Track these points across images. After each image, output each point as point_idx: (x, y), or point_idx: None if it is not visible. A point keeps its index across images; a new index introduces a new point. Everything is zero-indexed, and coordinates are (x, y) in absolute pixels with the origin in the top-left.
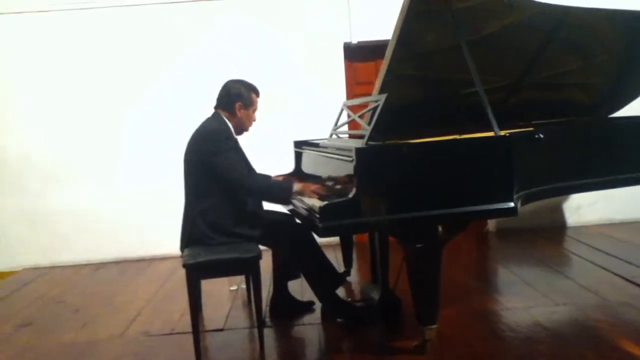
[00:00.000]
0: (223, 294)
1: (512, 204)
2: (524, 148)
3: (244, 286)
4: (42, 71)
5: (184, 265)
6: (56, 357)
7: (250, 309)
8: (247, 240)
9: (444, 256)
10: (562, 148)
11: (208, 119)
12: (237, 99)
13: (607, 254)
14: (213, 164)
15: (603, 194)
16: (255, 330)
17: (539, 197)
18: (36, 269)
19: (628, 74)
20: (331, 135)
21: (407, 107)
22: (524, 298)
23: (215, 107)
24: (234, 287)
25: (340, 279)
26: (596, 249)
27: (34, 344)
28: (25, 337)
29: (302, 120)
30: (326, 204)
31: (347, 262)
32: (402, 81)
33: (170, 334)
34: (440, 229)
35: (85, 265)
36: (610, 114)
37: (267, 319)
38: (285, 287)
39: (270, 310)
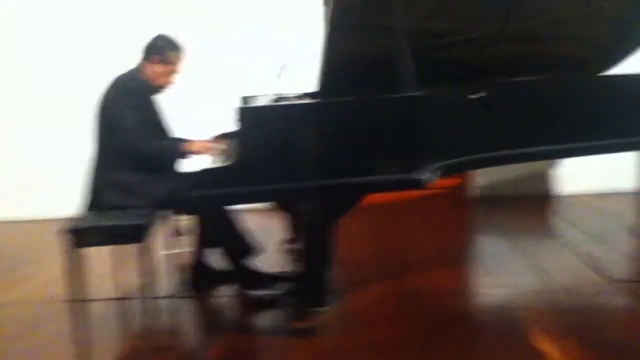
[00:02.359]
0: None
1: (416, 176)
2: (460, 110)
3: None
4: None
5: (68, 231)
6: None
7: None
8: (149, 203)
9: (412, 221)
10: (516, 111)
11: (130, 69)
12: (154, 52)
13: (581, 230)
14: (112, 116)
15: (597, 162)
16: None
17: (479, 165)
18: None
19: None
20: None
21: (371, 62)
22: (463, 277)
23: (141, 58)
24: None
25: (254, 248)
26: (573, 223)
27: None
28: None
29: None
30: (201, 170)
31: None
32: (356, 32)
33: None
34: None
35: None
36: (602, 71)
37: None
38: (205, 255)
39: (190, 280)
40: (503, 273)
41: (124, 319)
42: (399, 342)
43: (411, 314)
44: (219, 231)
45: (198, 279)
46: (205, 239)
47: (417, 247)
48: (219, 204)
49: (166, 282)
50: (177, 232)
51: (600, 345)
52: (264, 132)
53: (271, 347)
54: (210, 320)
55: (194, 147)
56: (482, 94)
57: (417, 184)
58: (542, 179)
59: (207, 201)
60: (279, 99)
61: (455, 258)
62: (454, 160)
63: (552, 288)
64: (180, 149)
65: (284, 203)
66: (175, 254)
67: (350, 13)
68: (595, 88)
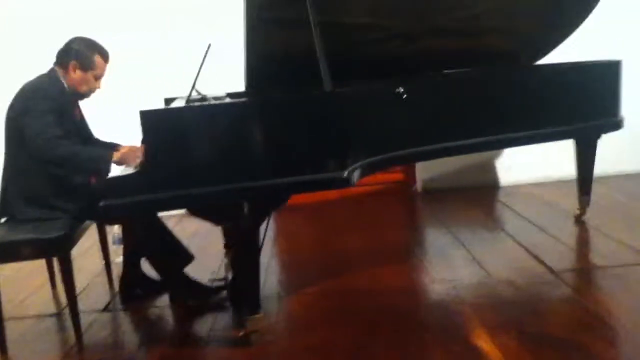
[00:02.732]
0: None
1: (340, 174)
2: (382, 107)
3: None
4: None
5: None
6: None
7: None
8: (69, 214)
9: (355, 218)
10: (437, 105)
11: (40, 75)
12: (74, 57)
13: (524, 220)
14: (22, 124)
15: (539, 150)
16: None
17: (402, 161)
18: None
19: (555, 13)
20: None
21: (298, 58)
22: (404, 274)
23: (54, 63)
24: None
25: (188, 256)
26: (516, 213)
27: None
28: None
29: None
30: (108, 178)
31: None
32: (277, 27)
33: None
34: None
35: None
36: (534, 61)
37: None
38: (137, 265)
39: (121, 291)
40: (445, 267)
41: (52, 336)
42: (334, 345)
43: (350, 314)
44: (148, 240)
45: (127, 290)
46: (137, 248)
47: (359, 245)
48: (127, 212)
49: (103, 294)
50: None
51: (540, 338)
52: (163, 135)
53: (205, 356)
54: (144, 332)
55: (116, 155)
56: (400, 89)
57: (343, 183)
58: (484, 170)
59: (115, 210)
60: (201, 99)
61: (398, 254)
62: (379, 157)
63: (493, 281)
64: (101, 155)
65: (199, 210)
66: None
67: (266, 9)
68: (522, 79)
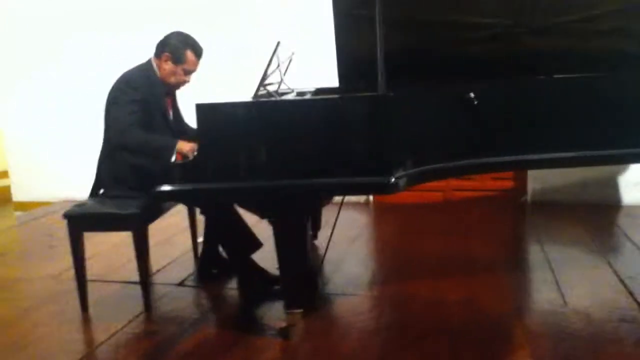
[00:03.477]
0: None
1: (384, 179)
2: (440, 111)
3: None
4: None
5: (64, 215)
6: None
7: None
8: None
9: (457, 223)
10: (508, 112)
11: (138, 65)
12: (168, 49)
13: (637, 247)
14: (107, 111)
15: None
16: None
17: (463, 172)
18: None
19: None
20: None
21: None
22: (473, 286)
23: (153, 54)
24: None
25: (257, 244)
26: (629, 238)
27: None
28: None
29: None
30: (163, 167)
31: (313, 226)
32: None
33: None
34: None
35: None
36: None
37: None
38: (215, 246)
39: (198, 269)
40: (521, 287)
41: (128, 302)
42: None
43: (398, 323)
44: (219, 224)
45: (204, 269)
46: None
47: (445, 251)
48: (176, 199)
49: (185, 270)
50: None
51: None
52: (214, 128)
53: (245, 342)
54: (206, 310)
55: (183, 147)
56: (471, 94)
57: (389, 188)
58: (605, 186)
59: (165, 196)
60: (285, 93)
61: (479, 266)
62: (434, 166)
63: (568, 309)
64: (167, 144)
65: (245, 203)
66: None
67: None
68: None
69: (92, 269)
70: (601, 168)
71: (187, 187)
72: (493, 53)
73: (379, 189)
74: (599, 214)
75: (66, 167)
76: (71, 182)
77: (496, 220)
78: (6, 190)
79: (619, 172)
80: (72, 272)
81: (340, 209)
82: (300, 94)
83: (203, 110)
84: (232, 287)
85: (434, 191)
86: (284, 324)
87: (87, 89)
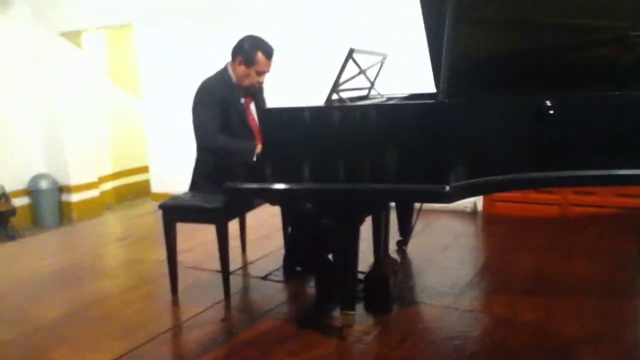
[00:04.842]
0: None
1: (439, 187)
2: (507, 120)
3: None
4: None
5: (160, 206)
6: None
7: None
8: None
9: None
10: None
11: (217, 71)
12: (239, 53)
13: None
14: (193, 116)
15: None
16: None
17: (527, 185)
18: None
19: None
20: (332, 94)
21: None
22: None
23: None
24: None
25: None
26: None
27: None
28: None
29: None
30: (227, 164)
31: (403, 231)
32: (474, 28)
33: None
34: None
35: None
36: None
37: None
38: (301, 246)
39: (284, 265)
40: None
41: (212, 290)
42: None
43: (452, 337)
44: (297, 223)
45: (289, 266)
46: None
47: (549, 270)
48: (241, 196)
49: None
50: None
51: None
52: (278, 131)
53: (297, 337)
54: (279, 304)
55: (259, 148)
56: (547, 102)
57: (441, 197)
58: None
59: (232, 193)
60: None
61: (589, 289)
62: (495, 178)
63: None
64: (248, 147)
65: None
66: None
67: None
68: None
69: (191, 258)
70: None
71: (251, 186)
72: (601, 60)
73: (434, 197)
74: None
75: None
76: None
77: (614, 240)
78: (146, 183)
79: None
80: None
81: (419, 213)
82: (389, 99)
83: (268, 114)
84: (310, 284)
85: (550, 204)
86: (339, 323)
87: None
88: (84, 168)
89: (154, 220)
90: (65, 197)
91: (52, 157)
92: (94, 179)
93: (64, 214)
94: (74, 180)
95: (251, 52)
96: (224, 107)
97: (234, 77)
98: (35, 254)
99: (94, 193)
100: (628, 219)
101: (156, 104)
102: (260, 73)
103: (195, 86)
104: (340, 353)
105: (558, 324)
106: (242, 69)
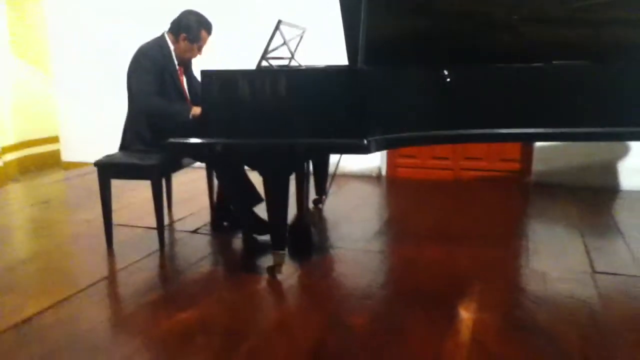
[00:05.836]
0: None
1: (358, 141)
2: (413, 86)
3: None
4: None
5: (95, 164)
6: None
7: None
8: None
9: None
10: (484, 92)
11: (153, 39)
12: (184, 31)
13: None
14: (129, 79)
15: None
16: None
17: (429, 141)
18: None
19: None
20: (261, 60)
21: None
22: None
23: (167, 31)
24: None
25: (259, 198)
26: (614, 219)
27: None
28: None
29: None
30: (177, 122)
31: (319, 191)
32: (386, 11)
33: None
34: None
35: None
36: None
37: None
38: (227, 204)
39: (212, 220)
40: (508, 253)
41: (146, 244)
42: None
43: (366, 273)
44: (225, 179)
45: (217, 220)
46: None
47: (444, 223)
48: (184, 151)
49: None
50: None
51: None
52: (216, 92)
53: (234, 277)
54: (210, 255)
55: (195, 111)
56: (445, 72)
57: (361, 150)
58: (603, 172)
59: (176, 148)
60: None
61: (477, 236)
62: (403, 134)
63: (530, 271)
64: (183, 109)
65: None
66: None
67: None
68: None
69: (122, 216)
70: (603, 154)
71: (192, 140)
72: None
73: (353, 149)
74: (595, 196)
75: (106, 132)
76: (112, 145)
77: (498, 197)
78: (57, 153)
79: (619, 158)
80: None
81: (333, 176)
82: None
83: (206, 75)
84: (237, 236)
85: (445, 169)
86: (271, 263)
87: (118, 61)
88: None
89: (71, 186)
90: None
91: None
92: None
93: None
94: None
95: (196, 30)
96: (160, 73)
97: (172, 48)
98: None
99: None
100: (510, 180)
101: (66, 75)
102: (201, 47)
103: (104, 58)
104: (272, 287)
105: (453, 260)
106: (185, 44)
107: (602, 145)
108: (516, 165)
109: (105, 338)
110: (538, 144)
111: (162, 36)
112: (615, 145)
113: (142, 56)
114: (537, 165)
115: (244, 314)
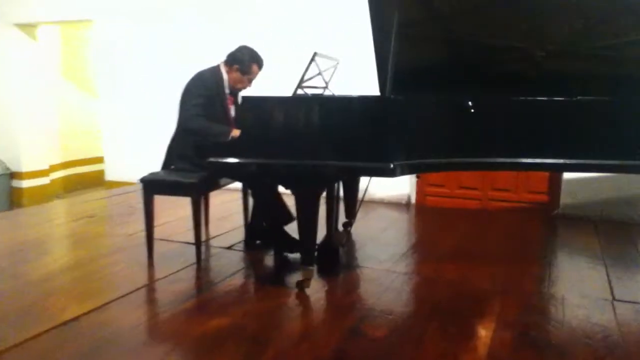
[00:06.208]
0: None
1: (385, 165)
2: (441, 114)
3: None
4: None
5: (141, 180)
6: None
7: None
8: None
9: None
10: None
11: (210, 67)
12: (237, 63)
13: None
14: (182, 99)
15: None
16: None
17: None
18: None
19: None
20: (297, 88)
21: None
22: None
23: (223, 61)
24: None
25: (290, 217)
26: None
27: None
28: None
29: None
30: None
31: (349, 215)
32: (413, 42)
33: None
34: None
35: None
36: None
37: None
38: (261, 223)
39: (246, 238)
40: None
41: (181, 256)
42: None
43: (389, 291)
44: (259, 198)
45: (250, 239)
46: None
47: (469, 248)
48: (222, 170)
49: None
50: None
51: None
52: (252, 115)
53: (263, 290)
54: (242, 270)
55: (235, 133)
56: (469, 102)
57: (385, 173)
58: (630, 205)
59: (215, 167)
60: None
61: (501, 259)
62: (428, 160)
63: (549, 295)
64: (223, 131)
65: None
66: None
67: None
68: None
69: (162, 232)
70: (629, 189)
71: (230, 160)
72: (510, 73)
73: (381, 172)
74: (620, 229)
75: (147, 153)
76: (152, 166)
77: (523, 226)
78: (101, 173)
79: None
80: (143, 233)
81: (362, 201)
82: None
83: (246, 101)
84: (269, 254)
85: (472, 199)
86: (300, 278)
87: (159, 88)
88: (36, 155)
89: (114, 202)
90: (16, 183)
91: (3, 143)
92: (45, 166)
93: (13, 200)
94: (25, 167)
95: (248, 64)
96: (211, 98)
97: (225, 77)
98: (7, 228)
99: (44, 180)
100: (536, 212)
101: (112, 100)
102: (251, 80)
103: (148, 83)
104: (299, 300)
105: (474, 282)
106: (237, 75)
107: (629, 179)
108: (544, 197)
109: (142, 339)
110: (565, 177)
111: (218, 66)
112: None
113: (198, 81)
114: (564, 198)
115: (272, 323)
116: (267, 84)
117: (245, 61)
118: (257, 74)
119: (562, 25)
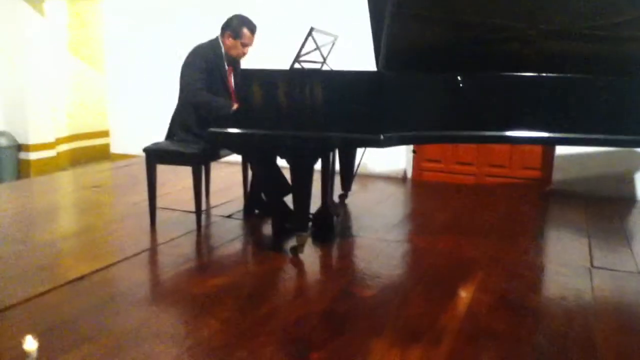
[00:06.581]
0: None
1: (375, 136)
2: (431, 89)
3: None
4: None
5: (144, 150)
6: None
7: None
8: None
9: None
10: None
11: (209, 40)
12: (228, 28)
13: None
14: (182, 73)
15: None
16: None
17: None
18: None
19: None
20: (294, 62)
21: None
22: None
23: (220, 33)
24: None
25: (289, 188)
26: (624, 228)
27: None
28: None
29: None
30: (217, 114)
31: (345, 187)
32: (408, 21)
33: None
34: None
35: None
36: None
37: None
38: (259, 193)
39: (245, 207)
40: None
41: (184, 225)
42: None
43: (379, 257)
44: (258, 168)
45: (249, 208)
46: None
47: (462, 220)
48: (223, 141)
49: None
50: None
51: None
52: (251, 88)
53: (260, 254)
54: (241, 238)
55: (236, 104)
56: (459, 77)
57: (377, 144)
58: (621, 182)
59: (217, 137)
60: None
61: (490, 233)
62: (417, 133)
63: (526, 262)
64: (226, 104)
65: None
66: None
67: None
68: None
69: (165, 200)
70: (620, 166)
71: (232, 130)
72: (505, 52)
73: (371, 143)
74: (609, 205)
75: (152, 126)
76: (156, 139)
77: (516, 202)
78: (106, 146)
79: (635, 170)
80: (147, 202)
81: (356, 171)
82: None
83: (246, 73)
84: (267, 222)
85: (468, 174)
86: (294, 244)
87: (165, 62)
88: (43, 128)
89: (119, 174)
90: (23, 155)
91: (11, 116)
92: (52, 139)
93: (21, 171)
94: (32, 139)
95: (238, 27)
96: (210, 70)
97: (223, 47)
98: (16, 197)
99: (50, 153)
100: (530, 187)
101: (118, 73)
102: (245, 45)
103: (152, 58)
104: (293, 264)
105: (462, 251)
106: (230, 41)
107: (620, 156)
108: (537, 173)
109: (146, 295)
110: (558, 153)
111: (216, 39)
112: (632, 156)
113: (196, 54)
114: (556, 174)
115: (268, 283)
116: (267, 61)
117: (234, 25)
118: (250, 39)
119: (558, 5)
